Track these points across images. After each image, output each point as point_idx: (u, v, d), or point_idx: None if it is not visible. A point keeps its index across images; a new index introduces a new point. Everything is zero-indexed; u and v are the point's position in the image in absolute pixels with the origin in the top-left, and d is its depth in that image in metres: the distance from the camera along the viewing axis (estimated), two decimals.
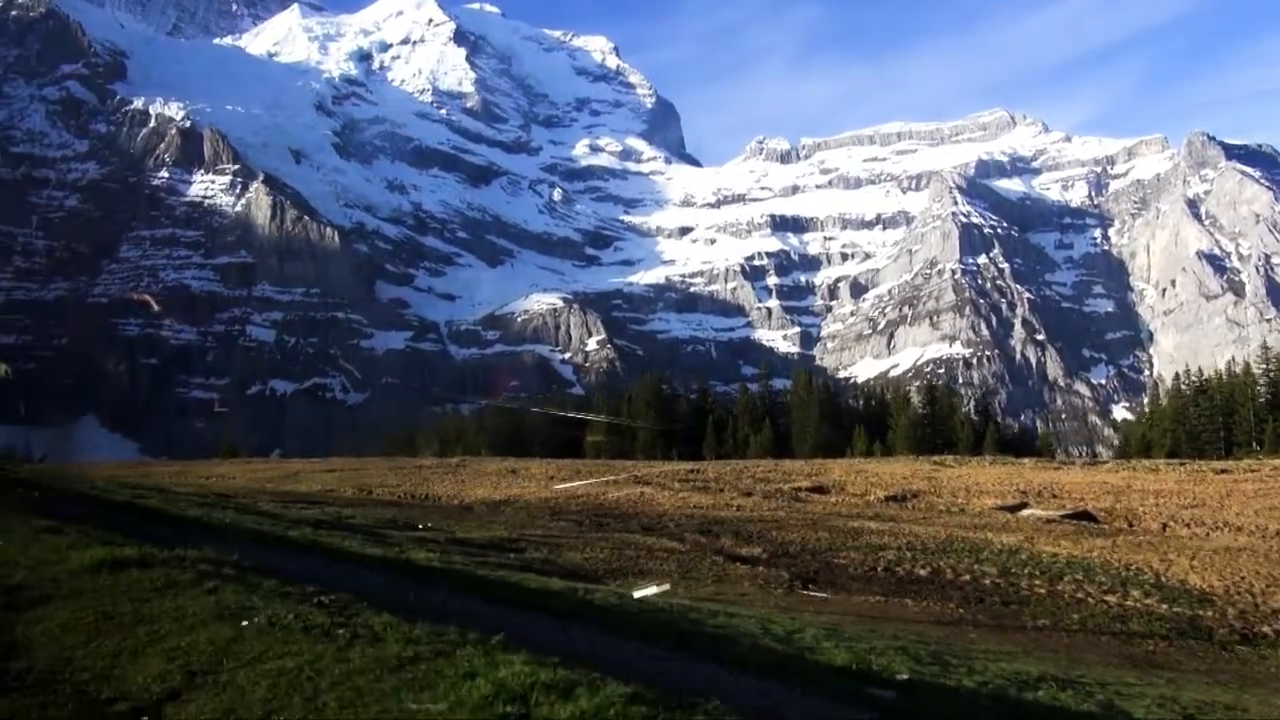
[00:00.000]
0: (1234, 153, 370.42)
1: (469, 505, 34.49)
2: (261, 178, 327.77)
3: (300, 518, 22.23)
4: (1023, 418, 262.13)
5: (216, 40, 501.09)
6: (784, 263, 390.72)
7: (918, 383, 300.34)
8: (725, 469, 54.10)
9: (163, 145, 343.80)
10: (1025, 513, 34.21)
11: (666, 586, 15.95)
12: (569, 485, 42.00)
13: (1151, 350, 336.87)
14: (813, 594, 18.10)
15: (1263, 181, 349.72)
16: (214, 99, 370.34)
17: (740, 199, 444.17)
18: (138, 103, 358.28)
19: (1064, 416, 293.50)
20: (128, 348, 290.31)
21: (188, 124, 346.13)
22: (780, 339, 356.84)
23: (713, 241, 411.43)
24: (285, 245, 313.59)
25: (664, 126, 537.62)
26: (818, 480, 45.11)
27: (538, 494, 38.51)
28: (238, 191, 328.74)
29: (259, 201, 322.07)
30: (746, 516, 31.00)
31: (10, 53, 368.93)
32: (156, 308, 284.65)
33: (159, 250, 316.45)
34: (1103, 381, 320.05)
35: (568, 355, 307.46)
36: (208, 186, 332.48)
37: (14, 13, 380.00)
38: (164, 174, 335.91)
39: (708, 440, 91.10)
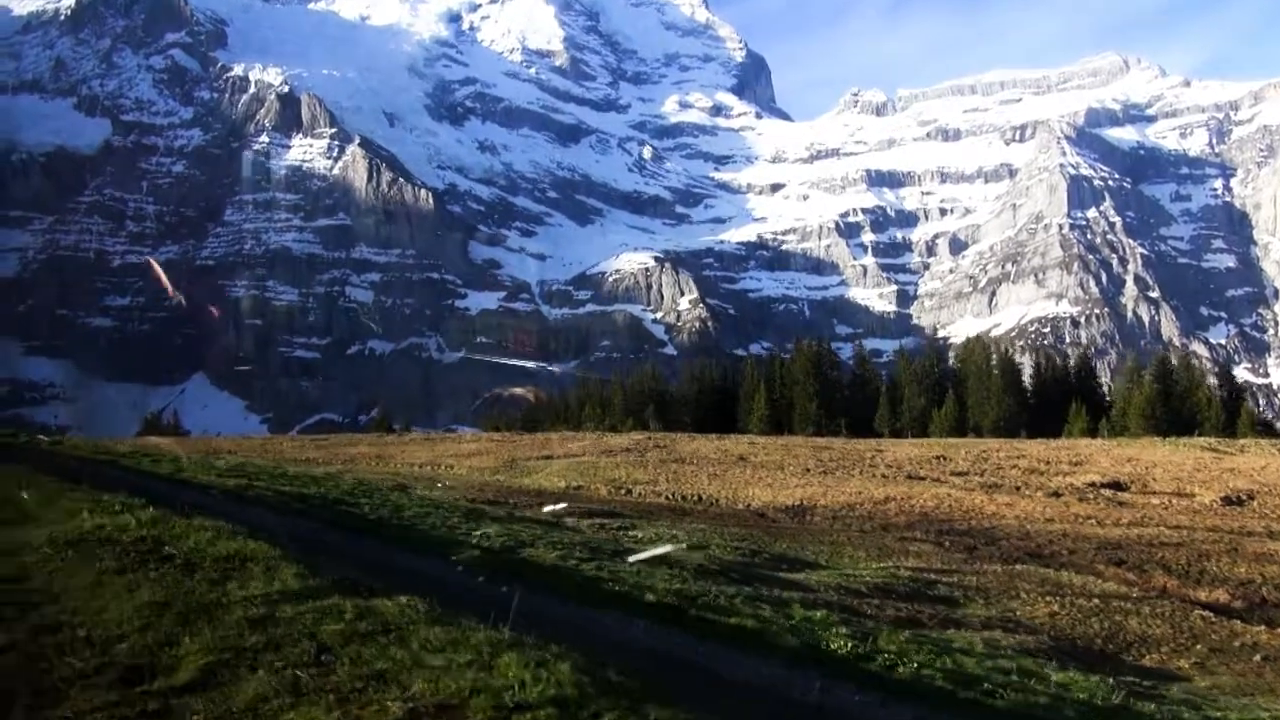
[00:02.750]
0: None
1: (762, 513, 29.73)
2: (357, 141, 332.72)
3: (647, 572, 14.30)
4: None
5: (310, 4, 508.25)
6: (879, 219, 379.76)
7: (1021, 343, 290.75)
8: (961, 454, 49.19)
9: (262, 111, 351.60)
10: None
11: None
12: (848, 487, 35.44)
13: (1276, 308, 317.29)
14: None
15: None
16: (310, 64, 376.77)
17: (834, 154, 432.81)
18: (238, 69, 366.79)
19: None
20: (234, 308, 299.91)
21: (286, 89, 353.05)
22: (876, 297, 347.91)
23: (805, 198, 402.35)
24: (381, 208, 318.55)
25: (754, 81, 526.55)
26: (1092, 471, 39.30)
27: (821, 496, 33.05)
28: (334, 155, 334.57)
29: (355, 165, 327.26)
30: (1117, 537, 24.61)
31: (119, 24, 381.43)
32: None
33: (261, 214, 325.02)
34: (1222, 341, 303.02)
35: (659, 315, 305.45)
36: (306, 151, 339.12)
37: None
38: (264, 139, 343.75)
39: (881, 414, 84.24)
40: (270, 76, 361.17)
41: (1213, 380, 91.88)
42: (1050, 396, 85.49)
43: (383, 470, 41.07)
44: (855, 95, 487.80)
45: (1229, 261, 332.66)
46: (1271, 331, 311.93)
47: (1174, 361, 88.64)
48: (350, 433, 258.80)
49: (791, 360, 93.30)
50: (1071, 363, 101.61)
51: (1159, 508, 31.32)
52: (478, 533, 15.95)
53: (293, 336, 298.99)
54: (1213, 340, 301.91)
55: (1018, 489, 35.41)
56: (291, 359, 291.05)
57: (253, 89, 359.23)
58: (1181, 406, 76.22)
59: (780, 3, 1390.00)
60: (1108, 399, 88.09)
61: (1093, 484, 36.14)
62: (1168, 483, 36.62)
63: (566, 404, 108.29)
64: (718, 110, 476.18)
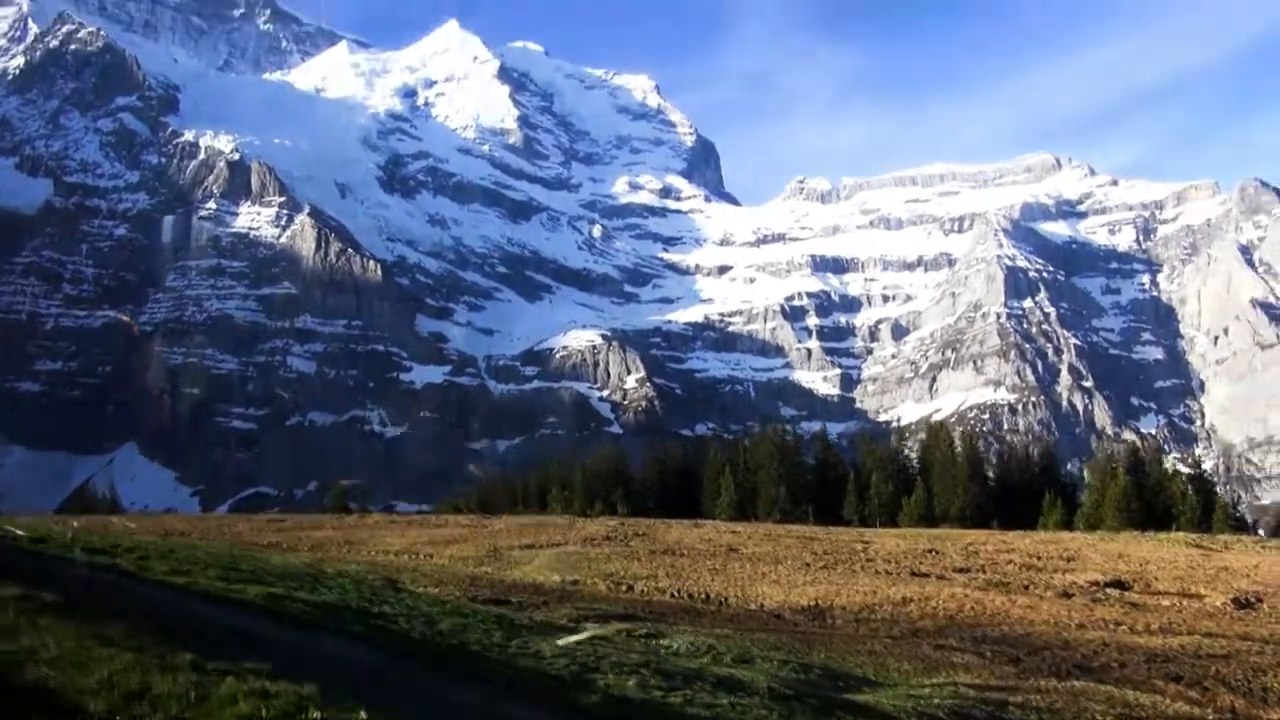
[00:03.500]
0: None
1: (778, 614, 28.12)
2: (307, 210, 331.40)
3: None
4: (1069, 466, 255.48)
5: (266, 75, 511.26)
6: (824, 303, 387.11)
7: (961, 429, 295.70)
8: (949, 546, 48.43)
9: (211, 177, 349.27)
10: None
11: None
12: (858, 586, 33.98)
13: (1203, 400, 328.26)
14: None
15: None
16: (262, 133, 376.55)
17: (780, 238, 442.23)
18: (188, 135, 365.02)
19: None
20: (170, 376, 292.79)
21: (236, 156, 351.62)
22: (820, 380, 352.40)
23: (752, 281, 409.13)
24: (328, 277, 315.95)
25: (703, 165, 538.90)
26: (1090, 568, 38.45)
27: (834, 596, 31.29)
28: (283, 224, 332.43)
29: (304, 234, 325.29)
30: (1159, 647, 23.57)
31: (68, 85, 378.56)
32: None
33: (204, 280, 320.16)
34: (1153, 431, 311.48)
35: (606, 393, 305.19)
36: (254, 218, 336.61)
37: (72, 47, 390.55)
38: (212, 205, 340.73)
39: (849, 501, 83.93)
40: (221, 144, 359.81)
41: (1183, 469, 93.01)
42: (1013, 485, 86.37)
43: (359, 558, 39.21)
44: (801, 183, 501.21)
45: (1157, 354, 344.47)
46: (1199, 422, 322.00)
47: (1144, 453, 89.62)
48: (289, 508, 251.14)
49: (755, 445, 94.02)
50: (1034, 453, 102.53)
51: (1173, 610, 30.86)
52: (531, 650, 15.07)
53: (230, 406, 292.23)
54: (1143, 429, 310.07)
55: (1026, 588, 34.75)
56: (228, 429, 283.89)
57: (202, 155, 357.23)
58: (1154, 500, 76.76)
59: (729, 92, 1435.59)
60: (1071, 489, 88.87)
61: (1095, 583, 35.59)
62: (1169, 582, 36.32)
63: (525, 485, 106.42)
64: (667, 192, 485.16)
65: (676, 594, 31.66)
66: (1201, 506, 76.00)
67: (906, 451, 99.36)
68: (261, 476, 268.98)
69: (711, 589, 32.71)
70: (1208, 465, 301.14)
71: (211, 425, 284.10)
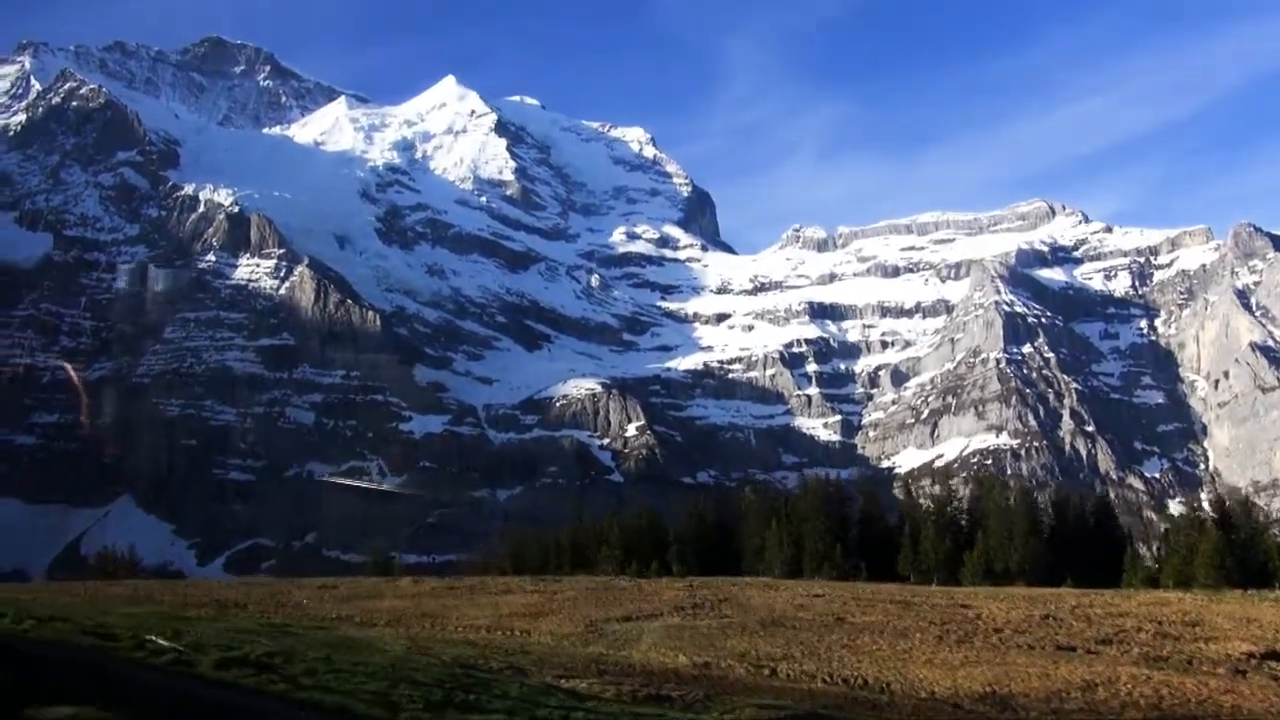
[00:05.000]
0: None
1: (956, 704, 25.22)
2: (306, 262, 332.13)
3: None
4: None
5: (266, 130, 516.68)
6: (823, 350, 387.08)
7: (964, 474, 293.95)
8: (1058, 609, 45.13)
9: (211, 230, 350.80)
10: None
11: None
12: (1021, 665, 30.80)
13: (1206, 444, 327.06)
14: None
15: None
16: (262, 186, 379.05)
17: (777, 286, 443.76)
18: (188, 189, 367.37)
19: (1118, 511, 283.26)
20: (167, 428, 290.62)
21: (236, 209, 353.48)
22: (820, 427, 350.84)
23: (750, 328, 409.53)
24: (327, 328, 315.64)
25: (700, 215, 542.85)
26: (1233, 636, 35.86)
27: (1004, 679, 28.29)
28: (282, 275, 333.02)
29: (303, 285, 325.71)
30: None
31: (69, 141, 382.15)
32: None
33: (203, 332, 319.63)
34: (1156, 475, 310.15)
35: (606, 441, 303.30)
36: (253, 270, 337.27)
37: (74, 103, 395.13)
38: (211, 257, 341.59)
39: (904, 556, 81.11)
40: (220, 197, 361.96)
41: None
42: (1072, 538, 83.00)
43: (449, 635, 36.60)
44: (797, 231, 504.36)
45: (1158, 398, 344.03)
46: (1202, 466, 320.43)
47: (1233, 504, 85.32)
48: (287, 560, 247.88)
49: (799, 497, 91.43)
50: (1088, 505, 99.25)
51: None
52: None
53: (227, 458, 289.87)
54: (1147, 474, 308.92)
55: (1189, 664, 31.79)
56: (225, 481, 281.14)
57: (202, 208, 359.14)
58: (1247, 556, 73.17)
59: (724, 143, 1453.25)
60: (1128, 541, 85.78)
61: (1251, 654, 32.65)
62: None
63: (558, 542, 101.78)
64: (664, 242, 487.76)
65: (829, 679, 28.49)
66: None
67: (956, 503, 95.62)
68: (259, 528, 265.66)
69: (862, 672, 29.67)
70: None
71: (209, 477, 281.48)
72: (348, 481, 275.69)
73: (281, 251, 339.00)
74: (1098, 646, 35.61)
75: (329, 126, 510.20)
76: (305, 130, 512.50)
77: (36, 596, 48.65)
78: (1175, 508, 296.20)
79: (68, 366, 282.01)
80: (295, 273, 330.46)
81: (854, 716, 22.82)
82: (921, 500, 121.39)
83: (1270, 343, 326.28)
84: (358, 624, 39.59)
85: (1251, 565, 71.35)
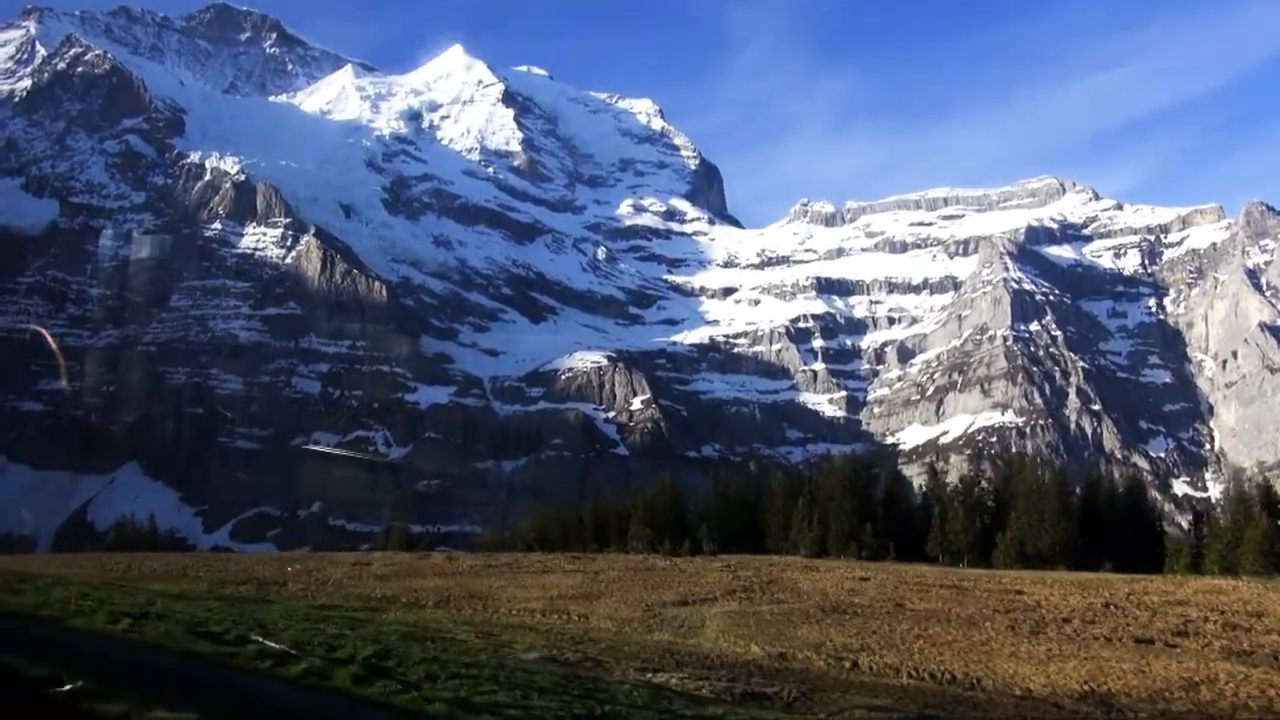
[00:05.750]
0: None
1: (1058, 704, 24.61)
2: (312, 231, 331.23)
3: None
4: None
5: (272, 98, 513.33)
6: (829, 325, 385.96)
7: (969, 451, 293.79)
8: (1115, 596, 44.52)
9: (217, 198, 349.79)
10: None
11: None
12: (1109, 659, 30.03)
13: (1212, 424, 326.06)
14: None
15: None
16: (268, 154, 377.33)
17: (784, 261, 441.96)
18: (194, 157, 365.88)
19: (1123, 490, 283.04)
20: (175, 396, 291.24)
21: (242, 178, 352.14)
22: (826, 403, 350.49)
23: (756, 303, 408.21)
24: (334, 298, 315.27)
25: (707, 188, 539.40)
26: None
27: (1099, 675, 27.52)
28: (288, 244, 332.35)
29: (309, 255, 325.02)
30: None
31: (74, 107, 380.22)
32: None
33: (209, 300, 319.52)
34: (1162, 455, 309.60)
35: (612, 414, 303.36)
36: (259, 239, 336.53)
37: (79, 69, 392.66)
38: (217, 226, 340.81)
39: (933, 537, 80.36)
40: (227, 165, 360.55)
41: None
42: (1104, 520, 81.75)
43: (505, 620, 36.18)
44: (805, 205, 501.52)
45: (1165, 377, 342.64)
46: (1208, 446, 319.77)
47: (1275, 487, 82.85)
48: (293, 530, 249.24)
49: (826, 475, 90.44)
50: (1119, 487, 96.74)
51: None
52: None
53: (234, 426, 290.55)
54: (1153, 453, 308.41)
55: (1275, 658, 31.07)
56: (231, 449, 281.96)
57: (208, 176, 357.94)
58: None
59: (733, 115, 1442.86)
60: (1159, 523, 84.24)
61: None
62: None
63: (580, 518, 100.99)
64: (671, 215, 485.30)
65: (914, 673, 27.29)
66: None
67: (983, 483, 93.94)
68: (265, 497, 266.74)
69: (947, 665, 28.46)
70: (1217, 490, 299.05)
71: (215, 446, 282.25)
72: (350, 454, 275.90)
73: (288, 221, 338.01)
74: (1175, 639, 34.77)
75: (335, 95, 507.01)
76: (311, 99, 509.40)
77: (76, 570, 48.51)
78: (1180, 487, 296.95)
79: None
80: (301, 242, 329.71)
81: (959, 717, 22.03)
82: (921, 478, 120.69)
83: (1279, 323, 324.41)
84: (405, 605, 39.12)
85: None
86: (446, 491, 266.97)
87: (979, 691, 25.70)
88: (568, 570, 58.58)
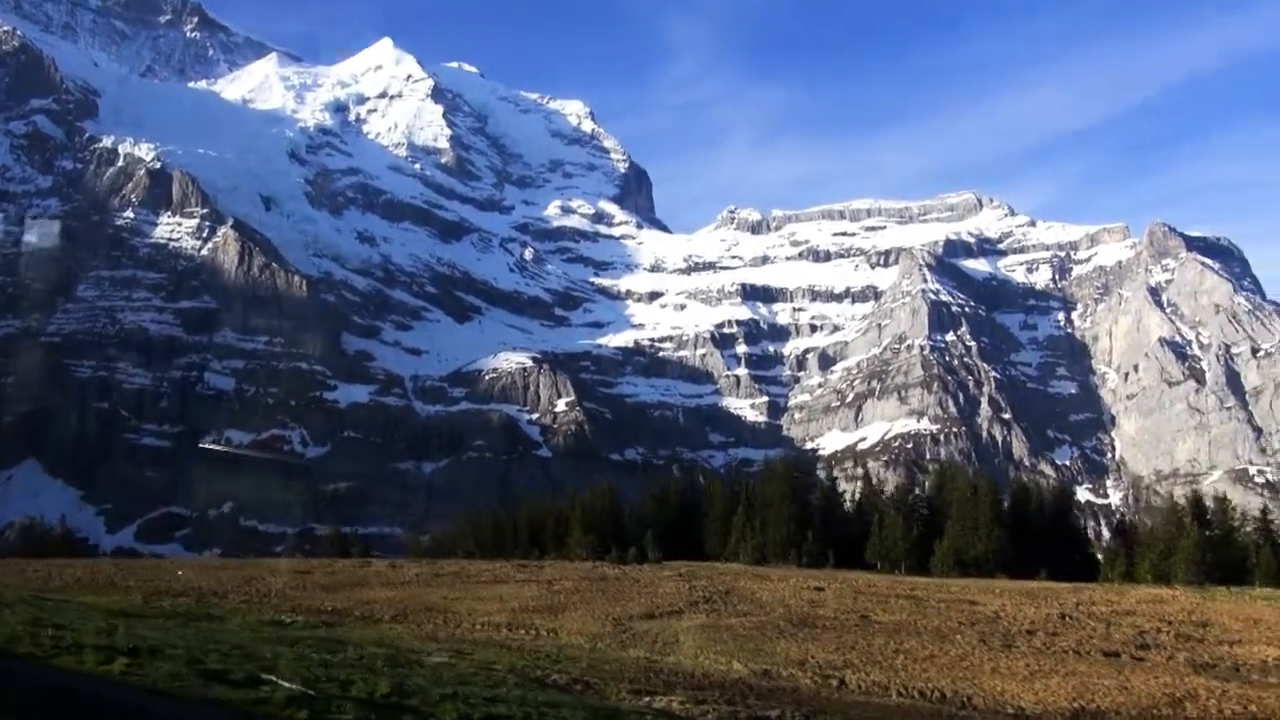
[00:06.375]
0: (1194, 244, 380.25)
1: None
2: (230, 223, 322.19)
3: None
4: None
5: (191, 84, 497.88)
6: (753, 331, 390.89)
7: (886, 457, 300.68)
8: (1064, 606, 45.28)
9: (130, 185, 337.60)
10: None
11: None
12: (1084, 674, 30.37)
13: (1114, 433, 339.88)
14: None
15: (1222, 274, 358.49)
16: (185, 142, 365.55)
17: (711, 266, 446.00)
18: (106, 141, 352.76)
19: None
20: (78, 390, 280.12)
21: (157, 165, 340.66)
22: (748, 408, 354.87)
23: (682, 307, 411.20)
24: (251, 292, 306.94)
25: (636, 192, 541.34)
26: (1257, 638, 35.97)
27: (1081, 690, 27.86)
28: (205, 236, 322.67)
29: (226, 246, 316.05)
30: None
31: None
32: None
33: (118, 291, 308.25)
34: (1067, 463, 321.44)
35: (535, 416, 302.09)
36: (174, 229, 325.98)
37: None
38: (129, 214, 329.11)
39: (873, 544, 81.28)
40: (141, 151, 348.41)
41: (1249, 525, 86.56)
42: (1032, 529, 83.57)
43: (471, 635, 34.74)
44: (731, 212, 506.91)
45: (1071, 388, 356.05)
46: (1109, 455, 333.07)
47: (1209, 502, 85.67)
48: (202, 530, 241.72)
49: (764, 481, 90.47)
50: (1047, 497, 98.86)
51: None
52: None
53: (141, 423, 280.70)
54: (1058, 461, 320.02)
55: (1236, 670, 31.59)
56: (139, 447, 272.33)
57: (121, 162, 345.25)
58: (1224, 552, 74.28)
59: (664, 120, 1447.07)
60: (1095, 536, 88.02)
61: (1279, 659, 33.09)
62: None
63: (514, 523, 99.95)
64: (599, 217, 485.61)
65: (903, 691, 26.94)
66: (1276, 556, 73.26)
67: (916, 491, 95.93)
68: (173, 497, 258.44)
69: (934, 683, 28.20)
70: (1117, 497, 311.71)
71: (121, 442, 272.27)
72: (262, 453, 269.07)
73: (205, 211, 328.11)
74: (1139, 651, 35.49)
75: (258, 84, 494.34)
76: (233, 86, 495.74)
77: None
78: (1083, 494, 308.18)
79: None
80: (219, 234, 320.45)
81: None
82: (845, 484, 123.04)
83: (1178, 339, 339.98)
84: (360, 619, 37.71)
85: (1228, 562, 72.76)
86: (363, 492, 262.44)
87: (972, 711, 25.60)
88: (519, 580, 57.69)
